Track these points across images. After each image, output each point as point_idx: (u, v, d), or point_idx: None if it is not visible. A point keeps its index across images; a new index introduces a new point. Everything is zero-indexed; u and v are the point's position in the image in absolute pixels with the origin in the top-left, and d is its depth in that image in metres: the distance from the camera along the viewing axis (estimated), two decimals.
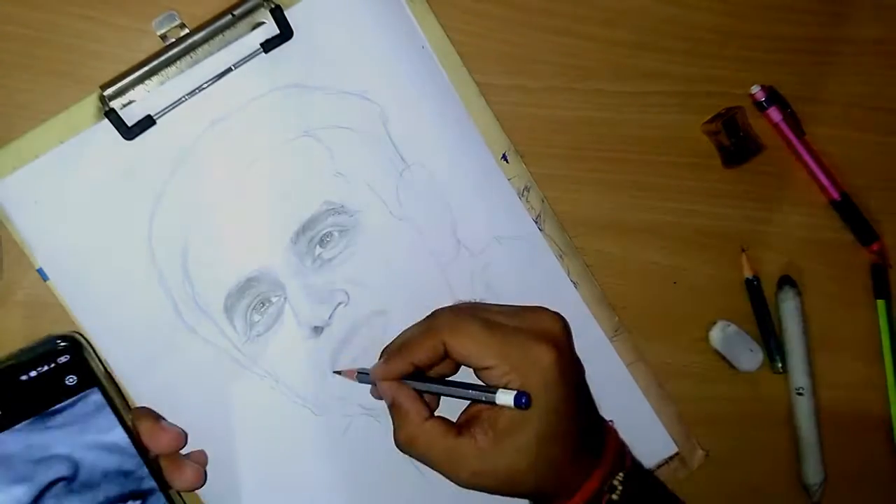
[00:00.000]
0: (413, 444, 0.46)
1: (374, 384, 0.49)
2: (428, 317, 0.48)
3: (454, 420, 0.47)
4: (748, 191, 0.59)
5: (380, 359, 0.49)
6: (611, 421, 0.50)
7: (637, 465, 0.49)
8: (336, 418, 0.51)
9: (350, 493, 0.52)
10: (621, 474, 0.46)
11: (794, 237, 0.60)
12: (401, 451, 0.46)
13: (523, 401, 0.42)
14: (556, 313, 0.47)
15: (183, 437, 0.46)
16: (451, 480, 0.45)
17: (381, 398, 0.48)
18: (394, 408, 0.47)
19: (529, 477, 0.44)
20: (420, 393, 0.47)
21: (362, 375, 0.49)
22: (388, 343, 0.49)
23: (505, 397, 0.43)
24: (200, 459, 0.48)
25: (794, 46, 0.59)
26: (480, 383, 0.46)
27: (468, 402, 0.46)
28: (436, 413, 0.48)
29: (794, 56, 0.59)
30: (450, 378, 0.48)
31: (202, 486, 0.47)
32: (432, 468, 0.46)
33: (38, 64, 0.47)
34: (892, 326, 0.62)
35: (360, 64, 0.50)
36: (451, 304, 0.52)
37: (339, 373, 0.50)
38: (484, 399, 0.44)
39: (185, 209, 0.48)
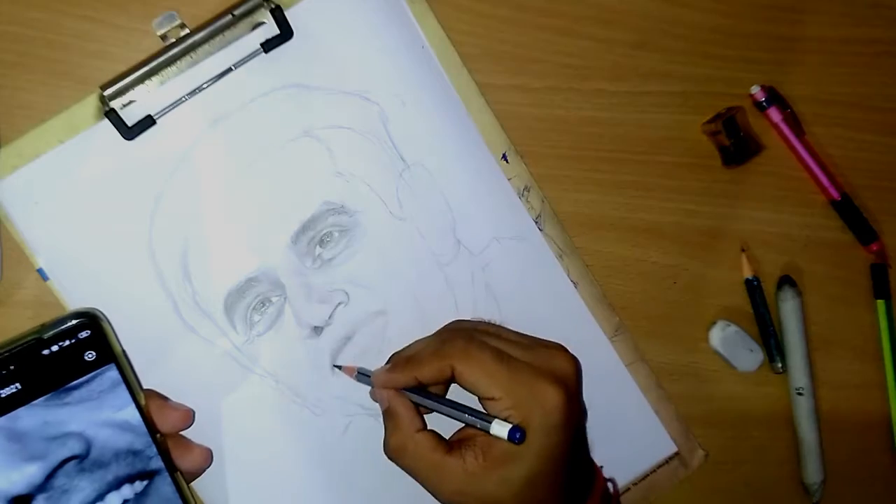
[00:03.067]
0: (401, 453, 0.46)
1: (373, 386, 0.49)
2: (442, 332, 0.49)
3: (446, 435, 0.47)
4: (748, 191, 0.59)
5: (386, 364, 0.49)
6: (601, 466, 0.50)
7: None
8: (336, 418, 0.51)
9: (350, 493, 0.52)
10: None
11: (794, 237, 0.60)
12: (388, 458, 0.47)
13: (517, 436, 0.42)
14: (572, 355, 0.47)
15: (191, 416, 0.46)
16: (433, 495, 0.45)
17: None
18: (387, 414, 0.47)
19: None
20: (416, 404, 0.47)
21: (361, 376, 0.49)
22: (388, 345, 0.50)
23: (500, 429, 0.43)
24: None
25: (794, 46, 0.59)
26: (477, 406, 0.46)
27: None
28: (429, 426, 0.48)
29: (794, 56, 0.59)
30: (448, 397, 0.48)
31: (209, 466, 0.47)
32: (416, 480, 0.46)
33: (38, 64, 0.47)
34: (892, 326, 0.62)
35: (360, 64, 0.50)
36: (451, 304, 0.52)
37: (339, 367, 0.50)
38: (478, 426, 0.44)
39: (185, 209, 0.48)
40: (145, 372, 0.48)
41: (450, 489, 0.44)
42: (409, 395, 0.47)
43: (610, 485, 0.51)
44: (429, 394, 0.47)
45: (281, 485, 0.51)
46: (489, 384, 0.44)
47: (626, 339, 0.56)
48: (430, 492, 0.45)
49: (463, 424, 0.46)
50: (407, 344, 0.50)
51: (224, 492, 0.50)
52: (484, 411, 0.45)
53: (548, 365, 0.45)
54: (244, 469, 0.50)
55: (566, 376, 0.46)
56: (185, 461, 0.45)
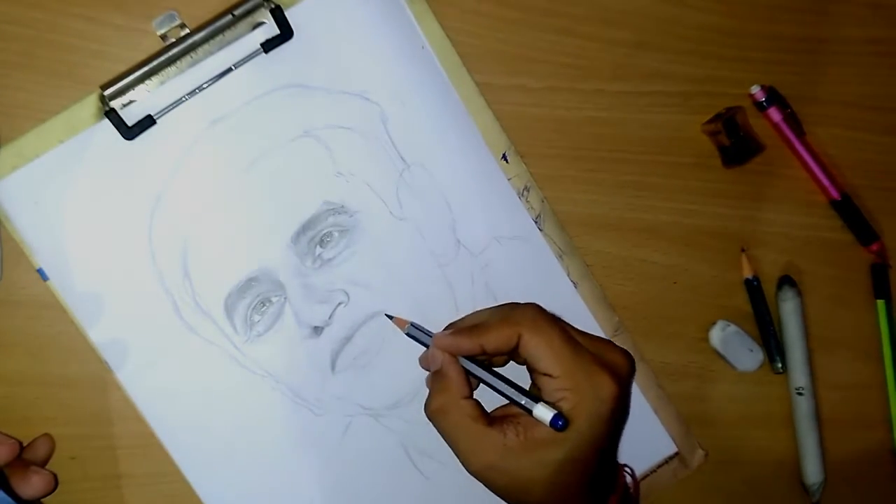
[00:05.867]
0: (442, 415, 0.45)
1: (426, 346, 0.48)
2: (505, 305, 0.49)
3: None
4: (748, 191, 0.59)
5: (445, 329, 0.49)
6: (625, 466, 0.51)
7: None
8: (336, 418, 0.51)
9: (350, 493, 0.52)
10: None
11: (794, 237, 0.60)
12: (428, 418, 0.46)
13: (560, 423, 0.43)
14: (629, 354, 0.48)
15: (18, 447, 0.45)
16: (464, 465, 0.45)
17: (425, 367, 0.49)
18: (437, 375, 0.47)
19: (538, 492, 0.44)
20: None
21: (415, 330, 0.49)
22: (388, 345, 0.50)
23: (543, 413, 0.43)
24: (47, 447, 0.47)
25: (794, 46, 0.59)
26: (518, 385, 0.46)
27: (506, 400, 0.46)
28: None
29: (794, 56, 0.59)
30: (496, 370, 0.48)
31: (53, 491, 0.46)
32: (451, 446, 0.45)
33: (38, 64, 0.47)
34: (892, 326, 0.62)
35: (360, 64, 0.50)
36: (451, 304, 0.52)
37: (390, 317, 0.50)
38: (523, 403, 0.44)
39: (185, 209, 0.48)
40: (145, 372, 0.48)
41: (483, 461, 0.44)
42: (463, 363, 0.47)
43: (628, 477, 0.51)
44: (482, 363, 0.47)
45: (281, 484, 0.51)
46: (552, 360, 0.44)
47: (626, 339, 0.56)
48: (461, 459, 0.45)
49: (505, 403, 0.46)
50: (404, 346, 0.50)
51: (223, 491, 0.50)
52: (530, 392, 0.45)
53: (606, 355, 0.46)
54: (244, 469, 0.50)
55: (622, 370, 0.46)
56: (24, 489, 0.44)
